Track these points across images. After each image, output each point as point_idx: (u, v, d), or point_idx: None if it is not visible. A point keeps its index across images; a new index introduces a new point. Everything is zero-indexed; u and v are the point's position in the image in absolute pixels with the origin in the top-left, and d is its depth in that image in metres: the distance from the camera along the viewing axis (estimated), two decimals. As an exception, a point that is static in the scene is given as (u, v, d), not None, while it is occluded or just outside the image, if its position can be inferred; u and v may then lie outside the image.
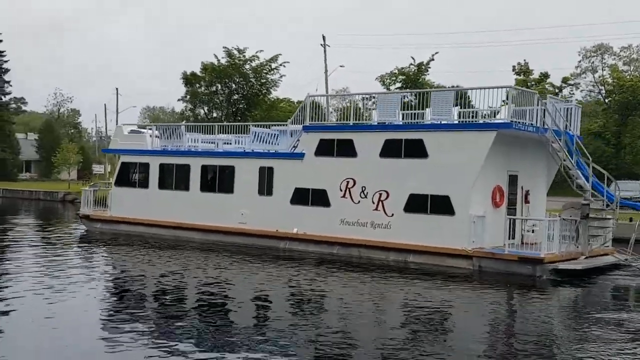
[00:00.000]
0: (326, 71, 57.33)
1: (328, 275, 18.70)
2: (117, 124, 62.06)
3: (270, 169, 24.64)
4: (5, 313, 12.61)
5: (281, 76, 62.88)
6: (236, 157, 25.84)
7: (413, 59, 61.62)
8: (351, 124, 23.90)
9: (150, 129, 30.59)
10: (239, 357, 10.27)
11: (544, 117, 21.01)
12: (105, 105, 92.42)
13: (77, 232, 28.88)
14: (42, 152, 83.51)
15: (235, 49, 61.30)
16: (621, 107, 61.38)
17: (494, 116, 21.82)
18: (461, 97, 22.87)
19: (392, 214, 21.71)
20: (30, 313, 12.76)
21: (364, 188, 22.37)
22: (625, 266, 20.93)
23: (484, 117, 22.25)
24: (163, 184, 27.81)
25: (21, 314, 12.70)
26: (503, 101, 21.05)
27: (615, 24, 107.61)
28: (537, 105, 21.16)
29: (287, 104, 69.90)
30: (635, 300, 16.75)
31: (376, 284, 17.82)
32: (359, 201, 22.42)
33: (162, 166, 27.88)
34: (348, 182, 22.70)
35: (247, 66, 61.63)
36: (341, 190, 22.82)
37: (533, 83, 64.97)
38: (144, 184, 28.40)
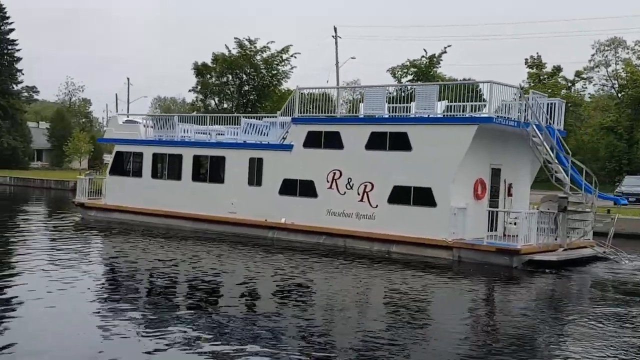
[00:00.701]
0: (337, 63, 57.34)
1: (314, 264, 19.27)
2: (127, 114, 62.41)
3: (260, 160, 25.17)
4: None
5: (292, 67, 62.82)
6: (227, 148, 26.37)
7: (425, 51, 60.82)
8: (338, 116, 24.42)
9: (144, 119, 31.11)
10: (229, 347, 10.71)
11: (525, 111, 21.50)
12: (116, 95, 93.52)
13: (72, 219, 29.51)
14: (53, 141, 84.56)
15: (246, 39, 61.23)
16: (634, 101, 60.32)
17: (477, 110, 22.33)
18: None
19: (377, 205, 22.25)
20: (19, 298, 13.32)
21: (349, 179, 22.90)
22: (604, 259, 21.51)
23: (472, 111, 22.67)
24: (156, 174, 28.38)
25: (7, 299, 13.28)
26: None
27: (629, 17, 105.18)
28: (520, 99, 21.64)
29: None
30: (606, 292, 17.27)
31: (356, 273, 18.38)
32: (345, 192, 22.96)
33: (155, 156, 28.42)
34: (335, 173, 23.22)
35: (258, 57, 61.50)
36: (328, 181, 23.36)
37: (546, 76, 64.54)
38: (137, 173, 28.96)
